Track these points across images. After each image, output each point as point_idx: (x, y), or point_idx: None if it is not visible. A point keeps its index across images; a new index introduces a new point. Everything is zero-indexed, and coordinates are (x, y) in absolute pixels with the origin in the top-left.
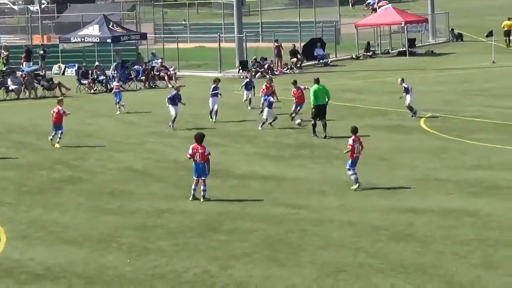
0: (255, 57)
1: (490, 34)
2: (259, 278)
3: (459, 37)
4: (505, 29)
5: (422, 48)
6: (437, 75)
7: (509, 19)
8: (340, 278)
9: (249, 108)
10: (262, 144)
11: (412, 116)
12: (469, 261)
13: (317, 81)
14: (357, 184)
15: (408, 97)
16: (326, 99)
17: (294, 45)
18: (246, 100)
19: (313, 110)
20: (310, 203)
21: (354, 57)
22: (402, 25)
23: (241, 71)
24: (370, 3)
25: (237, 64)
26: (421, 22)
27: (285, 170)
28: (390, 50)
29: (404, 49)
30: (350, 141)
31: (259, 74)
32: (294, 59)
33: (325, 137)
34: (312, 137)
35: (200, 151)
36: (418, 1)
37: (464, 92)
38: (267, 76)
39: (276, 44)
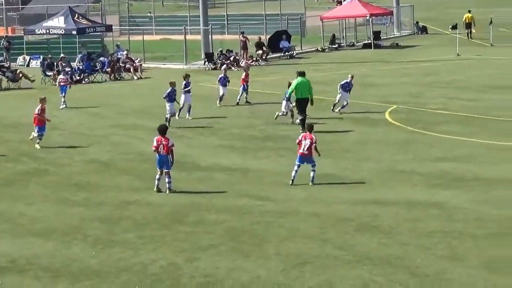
0: (220, 49)
1: (455, 27)
2: (225, 269)
3: (424, 29)
4: (466, 21)
5: (387, 41)
6: (402, 68)
7: (469, 11)
8: (306, 270)
9: (218, 105)
10: (228, 136)
11: (332, 111)
12: (434, 253)
13: (301, 74)
14: (291, 182)
15: (342, 94)
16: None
17: (259, 37)
18: (220, 96)
19: (296, 104)
20: (275, 195)
21: (320, 49)
22: (367, 17)
23: (207, 63)
24: None
25: (202, 56)
26: (386, 14)
27: (250, 162)
28: (355, 43)
29: (369, 41)
30: (300, 137)
31: (224, 66)
32: (260, 52)
33: (292, 122)
34: (277, 129)
35: (164, 142)
36: None
37: (429, 84)
38: (243, 65)
39: (242, 36)
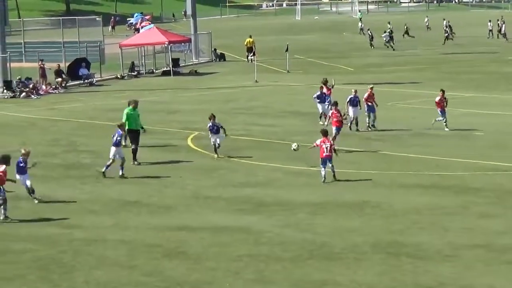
0: (19, 77)
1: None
2: None
3: (222, 57)
4: (248, 46)
5: (186, 68)
6: (201, 94)
7: (250, 36)
8: None
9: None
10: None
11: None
12: (242, 277)
13: (133, 103)
14: (323, 179)
15: (353, 110)
16: (140, 126)
17: (58, 65)
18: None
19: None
20: (82, 223)
21: (119, 76)
22: (166, 44)
23: (5, 91)
24: (132, 23)
25: (0, 84)
26: (184, 42)
27: (55, 190)
28: (154, 70)
29: (168, 68)
30: (318, 142)
31: (24, 94)
32: (59, 79)
33: (137, 163)
34: (79, 157)
35: None
36: (179, 21)
37: (229, 111)
38: (33, 97)
39: (40, 64)
